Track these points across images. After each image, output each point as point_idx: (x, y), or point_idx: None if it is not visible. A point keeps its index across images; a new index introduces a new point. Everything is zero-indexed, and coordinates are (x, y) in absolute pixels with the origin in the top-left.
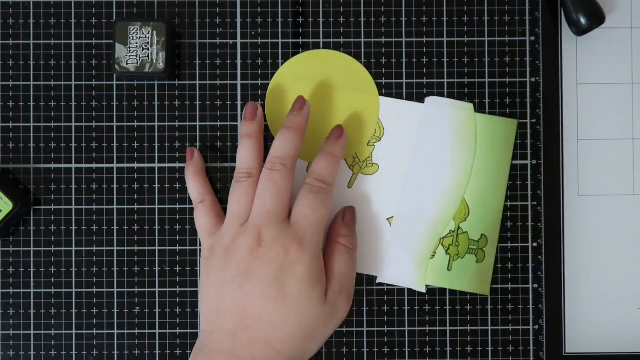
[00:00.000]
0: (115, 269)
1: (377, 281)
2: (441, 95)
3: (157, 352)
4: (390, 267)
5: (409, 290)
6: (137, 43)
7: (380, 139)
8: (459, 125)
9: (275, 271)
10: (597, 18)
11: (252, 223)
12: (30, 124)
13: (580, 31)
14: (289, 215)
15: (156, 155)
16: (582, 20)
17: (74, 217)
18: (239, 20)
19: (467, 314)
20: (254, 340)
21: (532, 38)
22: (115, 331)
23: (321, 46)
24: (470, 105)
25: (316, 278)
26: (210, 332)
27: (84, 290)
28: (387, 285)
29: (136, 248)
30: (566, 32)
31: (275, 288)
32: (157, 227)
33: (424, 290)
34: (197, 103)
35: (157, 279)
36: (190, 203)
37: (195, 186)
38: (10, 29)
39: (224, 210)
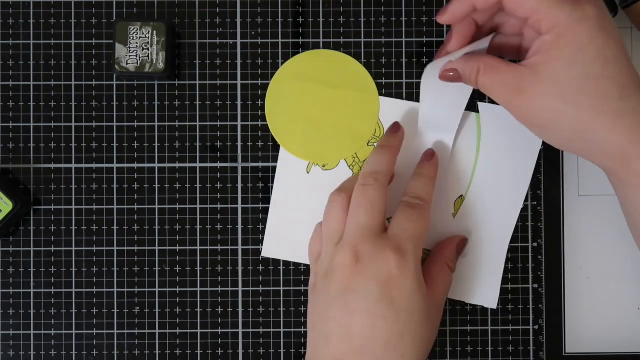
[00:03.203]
0: (115, 269)
1: None
2: None
3: (157, 352)
4: None
5: None
6: (137, 43)
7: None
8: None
9: (380, 286)
10: (609, 9)
11: (347, 240)
12: (30, 124)
13: None
14: (385, 231)
15: (156, 155)
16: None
17: (74, 217)
18: (239, 20)
19: (467, 314)
20: None
21: None
22: (115, 331)
23: (321, 46)
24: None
25: (423, 290)
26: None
27: (84, 290)
28: None
29: (136, 248)
30: None
31: (383, 304)
32: (157, 227)
33: None
34: (197, 103)
35: (157, 279)
36: (191, 203)
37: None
38: (10, 29)
39: None
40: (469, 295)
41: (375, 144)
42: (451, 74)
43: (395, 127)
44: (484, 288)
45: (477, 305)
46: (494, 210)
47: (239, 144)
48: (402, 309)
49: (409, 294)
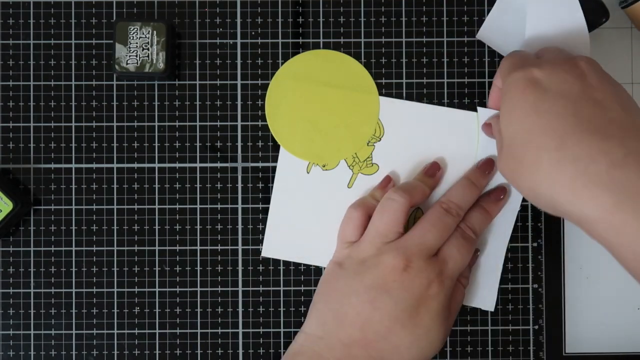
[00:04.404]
0: (115, 269)
1: None
2: (441, 95)
3: (157, 352)
4: None
5: None
6: (137, 43)
7: (380, 139)
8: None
9: (413, 300)
10: (601, 15)
11: (405, 246)
12: (30, 124)
13: None
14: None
15: (156, 155)
16: (587, 18)
17: (74, 217)
18: (239, 20)
19: (467, 313)
20: (369, 358)
21: None
22: (115, 331)
23: (321, 46)
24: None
25: (446, 316)
26: (321, 337)
27: (84, 290)
28: None
29: (136, 248)
30: None
31: (408, 315)
32: (157, 227)
33: None
34: (197, 103)
35: (157, 279)
36: (191, 203)
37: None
38: (10, 29)
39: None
40: (466, 298)
41: (374, 143)
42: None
43: (490, 165)
44: (482, 291)
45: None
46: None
47: (239, 144)
48: (421, 325)
49: (433, 314)
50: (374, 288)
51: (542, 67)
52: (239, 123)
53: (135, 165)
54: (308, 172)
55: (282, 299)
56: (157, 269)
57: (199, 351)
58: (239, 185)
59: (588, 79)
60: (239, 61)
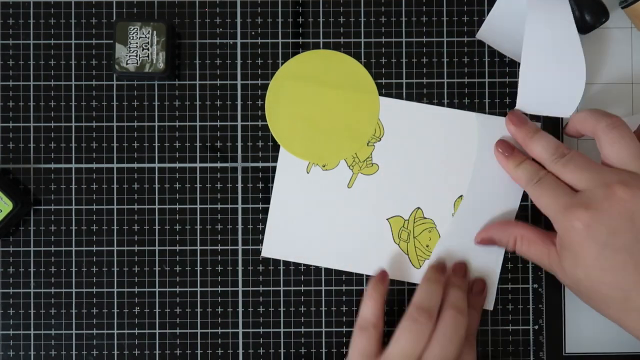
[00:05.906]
0: (115, 269)
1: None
2: (441, 95)
3: (157, 352)
4: (391, 265)
5: (409, 290)
6: (137, 43)
7: (380, 139)
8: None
9: None
10: (601, 15)
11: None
12: (30, 124)
13: (584, 29)
14: None
15: (156, 155)
16: (587, 18)
17: (74, 217)
18: (239, 20)
19: None
20: None
21: None
22: (115, 331)
23: (321, 46)
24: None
25: None
26: None
27: (84, 290)
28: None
29: (136, 248)
30: None
31: None
32: (157, 227)
33: None
34: (197, 103)
35: (157, 279)
36: (191, 203)
37: (376, 308)
38: (10, 29)
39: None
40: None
41: (374, 143)
42: (480, 240)
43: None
44: None
45: None
46: (490, 211)
47: (239, 144)
48: None
49: None
50: None
51: (588, 208)
52: (239, 123)
53: (135, 165)
54: (308, 172)
55: (282, 299)
56: (157, 269)
57: (199, 351)
58: (239, 185)
59: (636, 220)
60: (239, 61)
